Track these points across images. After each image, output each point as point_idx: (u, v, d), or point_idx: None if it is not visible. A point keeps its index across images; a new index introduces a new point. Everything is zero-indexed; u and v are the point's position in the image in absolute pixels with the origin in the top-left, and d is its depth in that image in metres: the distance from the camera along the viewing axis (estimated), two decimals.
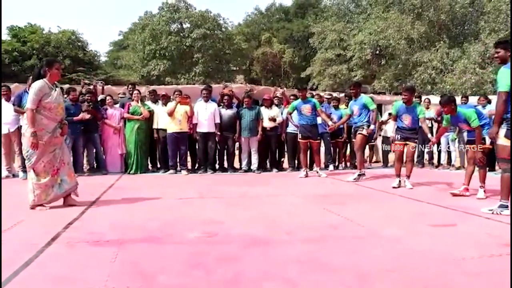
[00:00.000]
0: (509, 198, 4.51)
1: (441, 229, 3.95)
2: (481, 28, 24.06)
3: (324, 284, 2.51)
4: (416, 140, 7.07)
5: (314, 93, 10.89)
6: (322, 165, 9.33)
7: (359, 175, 7.65)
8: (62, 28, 32.57)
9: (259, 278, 2.60)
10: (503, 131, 4.45)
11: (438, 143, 9.29)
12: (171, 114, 8.58)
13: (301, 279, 2.56)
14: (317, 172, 8.45)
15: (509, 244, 3.22)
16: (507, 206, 4.50)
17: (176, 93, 8.97)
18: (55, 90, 4.93)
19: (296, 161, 9.57)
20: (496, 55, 4.64)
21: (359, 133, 7.63)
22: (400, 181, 6.84)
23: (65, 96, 8.76)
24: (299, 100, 8.36)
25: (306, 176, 8.24)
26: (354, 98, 7.81)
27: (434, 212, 4.80)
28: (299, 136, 8.49)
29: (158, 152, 9.32)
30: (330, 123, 8.28)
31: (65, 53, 30.42)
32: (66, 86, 10.37)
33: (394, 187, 6.65)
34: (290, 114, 8.52)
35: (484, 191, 5.67)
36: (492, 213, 4.51)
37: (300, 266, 2.79)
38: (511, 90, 4.30)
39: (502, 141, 4.50)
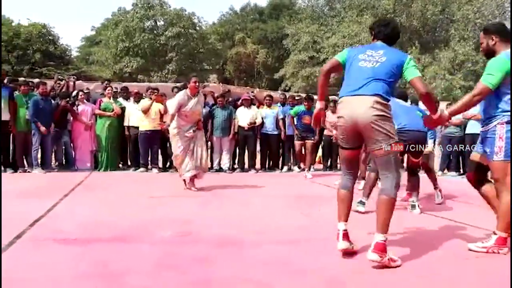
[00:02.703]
0: (368, 197, 4.80)
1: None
2: (451, 36, 24.72)
3: (295, 287, 2.50)
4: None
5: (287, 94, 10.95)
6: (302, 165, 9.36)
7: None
8: (32, 21, 31.62)
9: (230, 280, 2.58)
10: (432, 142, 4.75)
11: None
12: (146, 112, 8.45)
13: (272, 282, 2.54)
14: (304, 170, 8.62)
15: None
16: (364, 204, 4.74)
17: (150, 90, 8.82)
18: (194, 99, 6.00)
19: (269, 161, 9.61)
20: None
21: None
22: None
23: (35, 90, 8.56)
24: (304, 108, 8.40)
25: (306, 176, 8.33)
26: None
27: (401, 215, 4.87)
28: (295, 137, 8.59)
29: (129, 149, 9.18)
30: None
31: (35, 46, 29.51)
32: (36, 80, 10.13)
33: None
34: (293, 118, 8.61)
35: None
36: None
37: (271, 268, 2.78)
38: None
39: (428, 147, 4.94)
